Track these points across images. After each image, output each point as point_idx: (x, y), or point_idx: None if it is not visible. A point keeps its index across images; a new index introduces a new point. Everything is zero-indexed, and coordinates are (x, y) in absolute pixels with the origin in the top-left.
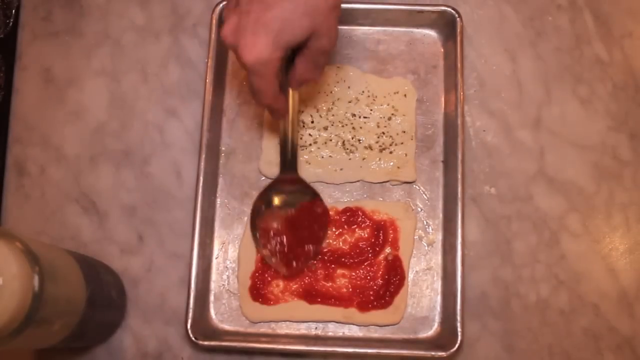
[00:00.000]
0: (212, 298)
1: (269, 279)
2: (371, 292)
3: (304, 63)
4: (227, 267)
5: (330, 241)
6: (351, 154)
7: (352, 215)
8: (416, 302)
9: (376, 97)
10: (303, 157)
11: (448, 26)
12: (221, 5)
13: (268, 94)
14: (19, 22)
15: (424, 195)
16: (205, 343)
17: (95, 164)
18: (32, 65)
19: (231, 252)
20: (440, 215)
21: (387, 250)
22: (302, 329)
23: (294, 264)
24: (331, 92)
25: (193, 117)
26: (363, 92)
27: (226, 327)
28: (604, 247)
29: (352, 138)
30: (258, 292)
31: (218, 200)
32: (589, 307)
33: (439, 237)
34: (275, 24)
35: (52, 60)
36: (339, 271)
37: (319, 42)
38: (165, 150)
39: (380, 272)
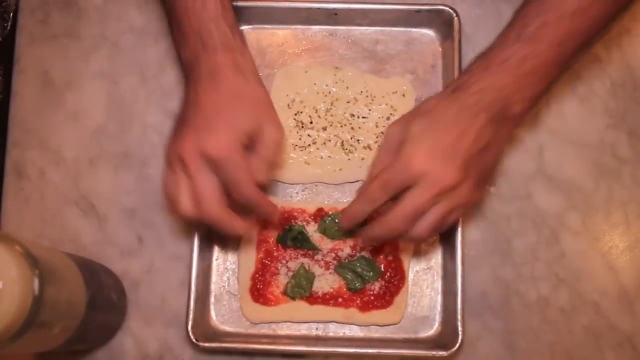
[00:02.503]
0: (212, 299)
1: (269, 279)
2: (371, 292)
3: (258, 157)
4: (227, 269)
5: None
6: (350, 154)
7: None
8: (416, 302)
9: (375, 97)
10: (302, 157)
11: (446, 25)
12: None
13: (246, 184)
14: (17, 25)
15: None
16: (206, 344)
17: (95, 166)
18: (30, 68)
19: (231, 253)
20: None
21: (387, 250)
22: (302, 329)
23: None
24: (330, 93)
25: None
26: (361, 92)
27: (227, 328)
28: (603, 244)
29: (351, 138)
30: (258, 293)
31: None
32: (589, 305)
33: (439, 236)
34: (232, 120)
35: (50, 63)
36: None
37: (269, 132)
38: (164, 152)
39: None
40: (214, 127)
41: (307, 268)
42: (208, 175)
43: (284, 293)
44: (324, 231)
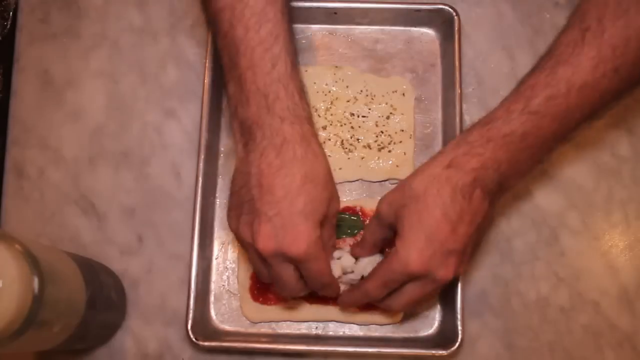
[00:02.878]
0: (212, 299)
1: None
2: None
3: (328, 229)
4: (227, 268)
5: None
6: (350, 153)
7: (351, 215)
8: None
9: (374, 96)
10: None
11: (446, 24)
12: None
13: (326, 273)
14: (16, 25)
15: None
16: (206, 344)
17: (94, 165)
18: (30, 67)
19: (231, 252)
20: None
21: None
22: (302, 328)
23: None
24: (329, 92)
25: (192, 118)
26: (361, 91)
27: (227, 327)
28: (603, 244)
29: (351, 137)
30: (258, 292)
31: (217, 201)
32: (589, 304)
33: None
34: (308, 207)
35: (50, 62)
36: None
37: (333, 207)
38: (164, 151)
39: None
40: (291, 223)
41: None
42: (289, 269)
43: None
44: None
